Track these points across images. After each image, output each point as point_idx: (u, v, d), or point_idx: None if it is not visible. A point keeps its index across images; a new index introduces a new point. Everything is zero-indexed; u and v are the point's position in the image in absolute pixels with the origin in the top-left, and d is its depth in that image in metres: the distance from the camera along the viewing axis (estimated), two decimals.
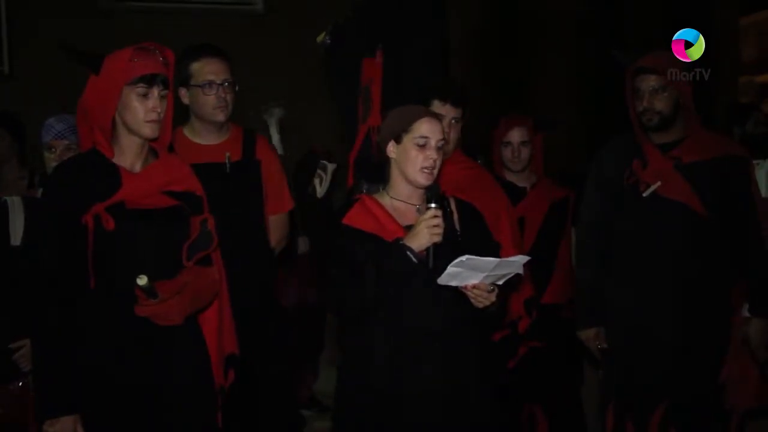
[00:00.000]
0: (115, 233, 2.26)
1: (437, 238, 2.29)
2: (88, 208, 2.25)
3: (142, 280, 2.16)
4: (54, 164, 2.86)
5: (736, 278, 3.09)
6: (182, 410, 2.36)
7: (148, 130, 2.34)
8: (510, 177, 3.66)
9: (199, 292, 2.36)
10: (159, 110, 2.33)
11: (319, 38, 3.24)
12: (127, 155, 2.37)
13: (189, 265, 2.34)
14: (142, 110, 2.32)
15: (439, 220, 2.30)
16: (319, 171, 4.73)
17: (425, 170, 2.37)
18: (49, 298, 2.25)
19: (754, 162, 3.47)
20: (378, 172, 3.00)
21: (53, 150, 3.00)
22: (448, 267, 2.19)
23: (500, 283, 2.29)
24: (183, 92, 3.02)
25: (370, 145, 3.11)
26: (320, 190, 4.69)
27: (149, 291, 2.20)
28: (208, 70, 2.98)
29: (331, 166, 4.74)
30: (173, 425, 2.35)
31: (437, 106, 2.91)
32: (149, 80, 2.31)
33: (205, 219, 2.39)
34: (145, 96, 2.31)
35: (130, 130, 2.35)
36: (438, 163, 2.39)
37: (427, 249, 2.30)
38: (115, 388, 2.28)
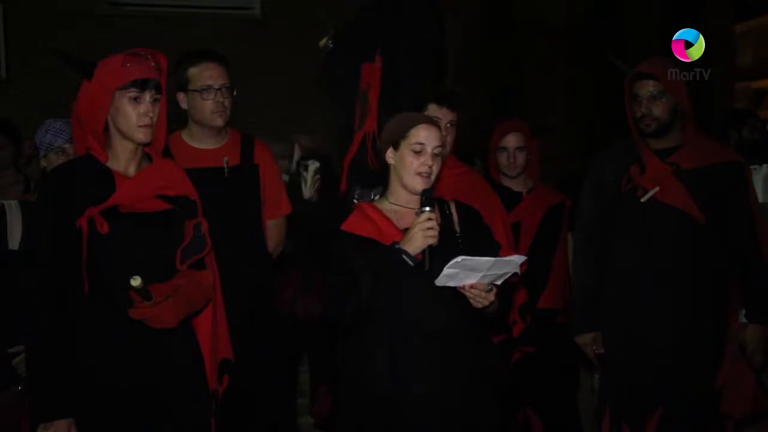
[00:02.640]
0: (108, 237, 2.26)
1: (432, 241, 2.30)
2: (82, 212, 2.25)
3: (136, 281, 2.16)
4: None
5: (733, 284, 3.10)
6: (176, 414, 2.36)
7: (141, 135, 2.35)
8: (506, 182, 3.67)
9: (193, 295, 2.36)
10: (151, 115, 2.34)
11: (322, 42, 3.24)
12: (121, 159, 2.38)
13: (182, 269, 2.35)
14: (135, 115, 2.33)
15: (433, 223, 2.30)
16: (301, 171, 4.60)
17: (421, 176, 2.38)
18: (42, 301, 2.25)
19: (750, 167, 3.47)
20: (372, 178, 3.00)
21: (65, 153, 3.00)
22: (445, 268, 2.20)
23: (498, 282, 2.30)
24: (181, 97, 3.02)
25: (365, 151, 3.11)
26: (305, 191, 4.57)
27: (143, 292, 2.19)
28: (206, 75, 2.98)
29: (312, 165, 4.67)
30: (167, 429, 2.35)
31: (434, 110, 2.92)
32: (141, 85, 2.32)
33: (198, 223, 2.40)
34: (137, 100, 2.33)
35: (123, 135, 2.36)
36: (435, 169, 2.40)
37: (424, 251, 2.31)
38: (109, 391, 2.28)
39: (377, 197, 3.02)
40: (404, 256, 2.30)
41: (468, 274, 2.23)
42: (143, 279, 2.16)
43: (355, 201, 3.07)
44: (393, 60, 3.12)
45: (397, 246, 2.32)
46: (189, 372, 2.42)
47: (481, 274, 2.24)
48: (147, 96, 2.33)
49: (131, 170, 2.39)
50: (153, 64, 2.35)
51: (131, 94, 2.32)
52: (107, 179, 2.34)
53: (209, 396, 2.49)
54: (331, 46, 3.21)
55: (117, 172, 2.36)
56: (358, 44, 3.16)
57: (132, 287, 2.16)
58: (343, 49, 3.20)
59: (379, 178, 3.03)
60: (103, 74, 2.31)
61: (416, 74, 3.14)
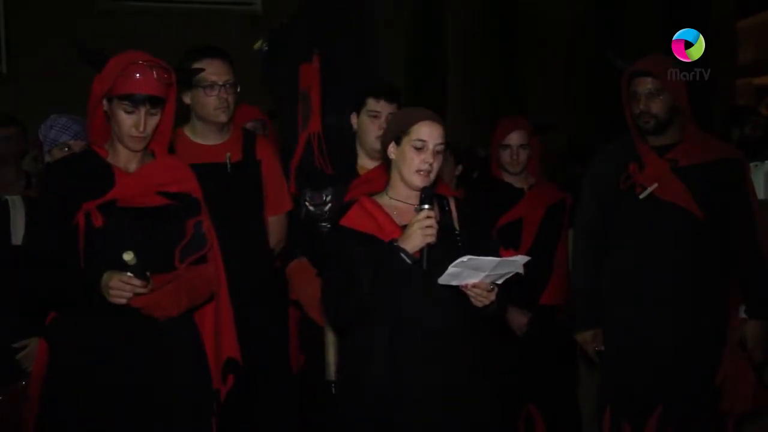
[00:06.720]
0: (103, 230, 2.25)
1: (430, 239, 2.30)
2: (80, 206, 2.25)
3: (129, 256, 2.13)
4: None
5: (733, 280, 3.10)
6: (174, 413, 2.34)
7: (132, 144, 2.35)
8: (508, 178, 3.68)
9: (193, 285, 2.34)
10: (142, 128, 2.31)
11: (256, 45, 3.24)
12: (121, 156, 2.38)
13: (182, 267, 2.32)
14: (126, 125, 2.31)
15: (432, 221, 2.30)
16: None
17: (421, 172, 2.38)
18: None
19: (752, 164, 3.48)
20: (321, 180, 2.99)
21: (69, 150, 3.01)
22: (449, 267, 2.20)
23: (500, 282, 2.30)
24: (184, 93, 3.02)
25: (312, 152, 3.10)
26: None
27: (137, 269, 2.17)
28: (210, 71, 2.96)
29: None
30: (165, 426, 2.32)
31: (372, 104, 2.94)
32: (135, 100, 2.29)
33: (199, 221, 2.38)
34: (130, 113, 2.30)
35: (118, 138, 2.36)
36: (435, 166, 2.39)
37: (422, 249, 2.31)
38: (105, 388, 2.26)
39: (329, 197, 3.02)
40: (402, 254, 2.30)
41: (471, 273, 2.23)
42: (136, 254, 2.14)
43: (306, 203, 3.09)
44: (332, 59, 3.11)
45: (394, 244, 2.32)
46: (189, 369, 2.40)
47: (484, 274, 2.24)
48: (141, 111, 2.30)
49: (132, 166, 2.39)
50: (156, 77, 2.30)
51: (125, 107, 2.29)
52: (107, 174, 2.33)
53: (210, 396, 2.47)
54: (266, 48, 3.20)
55: (117, 167, 2.36)
56: (295, 45, 3.16)
57: (124, 261, 2.14)
58: (281, 51, 3.19)
59: (329, 180, 3.03)
60: (103, 76, 2.29)
61: (358, 71, 3.13)
